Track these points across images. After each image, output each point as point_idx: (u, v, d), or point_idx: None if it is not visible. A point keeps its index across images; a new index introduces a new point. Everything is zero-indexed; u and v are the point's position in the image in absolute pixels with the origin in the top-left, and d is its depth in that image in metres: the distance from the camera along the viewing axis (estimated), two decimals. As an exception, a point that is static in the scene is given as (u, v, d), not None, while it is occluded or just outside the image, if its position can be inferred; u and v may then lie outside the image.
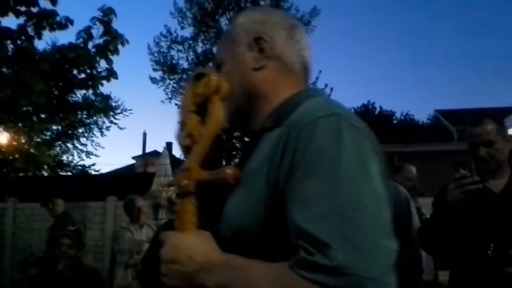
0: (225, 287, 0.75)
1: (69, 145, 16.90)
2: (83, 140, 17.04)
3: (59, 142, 15.91)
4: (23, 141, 6.38)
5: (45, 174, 13.71)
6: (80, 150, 17.15)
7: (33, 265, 4.38)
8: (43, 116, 6.31)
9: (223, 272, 0.76)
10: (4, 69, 5.46)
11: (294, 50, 0.99)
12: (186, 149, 0.92)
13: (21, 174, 8.64)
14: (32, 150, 6.47)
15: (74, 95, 6.12)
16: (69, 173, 17.07)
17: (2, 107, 5.17)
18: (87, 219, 7.41)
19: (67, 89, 5.84)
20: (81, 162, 17.55)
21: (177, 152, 22.70)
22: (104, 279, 3.87)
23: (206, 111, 0.91)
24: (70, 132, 15.94)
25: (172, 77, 22.41)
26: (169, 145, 10.90)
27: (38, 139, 6.66)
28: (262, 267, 0.74)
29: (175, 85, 22.48)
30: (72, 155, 17.33)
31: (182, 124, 0.94)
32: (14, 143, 6.34)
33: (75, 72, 5.71)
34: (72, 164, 17.53)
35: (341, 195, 0.71)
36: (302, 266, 0.68)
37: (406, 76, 51.88)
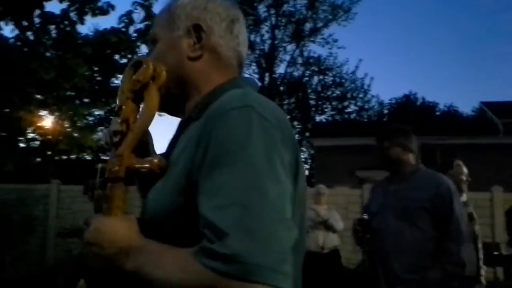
0: (139, 270, 0.79)
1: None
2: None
3: (101, 128, 16.32)
4: (66, 124, 6.54)
5: (88, 157, 14.12)
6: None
7: (69, 235, 4.48)
8: (86, 100, 6.44)
9: (139, 257, 0.80)
10: (48, 53, 5.59)
11: (231, 44, 1.00)
12: (120, 135, 0.93)
13: (65, 157, 8.92)
14: (75, 134, 6.63)
15: (115, 80, 6.20)
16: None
17: (46, 90, 5.30)
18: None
19: (109, 73, 5.92)
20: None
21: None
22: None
23: (142, 98, 0.94)
24: (111, 117, 16.30)
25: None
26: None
27: (81, 124, 6.81)
28: (172, 253, 0.77)
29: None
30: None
31: (119, 110, 0.95)
32: (58, 126, 6.51)
33: (116, 57, 5.79)
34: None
35: (243, 186, 0.73)
36: (202, 253, 0.71)
37: (450, 66, 50.19)
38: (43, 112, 6.28)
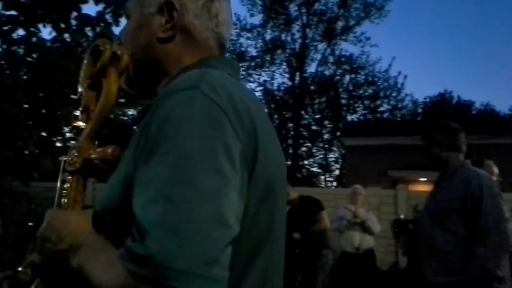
0: (81, 268, 0.73)
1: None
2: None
3: (135, 127, 16.61)
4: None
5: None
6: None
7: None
8: (120, 101, 6.57)
9: (84, 254, 0.74)
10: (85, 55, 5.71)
11: (208, 24, 0.90)
12: (84, 121, 0.88)
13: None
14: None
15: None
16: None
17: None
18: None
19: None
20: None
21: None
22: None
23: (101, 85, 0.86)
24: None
25: (240, 64, 22.60)
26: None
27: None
28: (109, 252, 0.71)
29: (243, 72, 22.68)
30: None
31: (80, 98, 0.90)
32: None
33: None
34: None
35: (172, 179, 0.65)
36: (124, 253, 0.65)
37: (487, 64, 48.69)
38: (78, 112, 6.42)
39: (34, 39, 5.48)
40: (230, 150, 0.69)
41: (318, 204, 5.47)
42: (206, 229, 0.63)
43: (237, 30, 22.25)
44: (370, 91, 23.45)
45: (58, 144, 7.00)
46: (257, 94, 23.25)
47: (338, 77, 23.55)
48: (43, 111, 5.95)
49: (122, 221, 0.72)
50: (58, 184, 0.91)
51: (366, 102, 23.63)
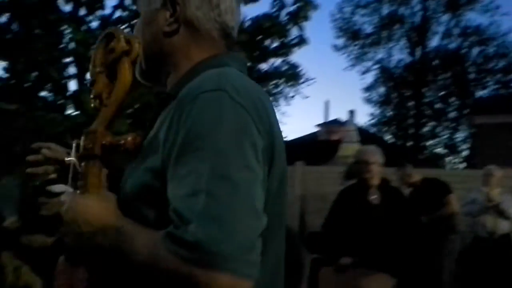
0: (115, 249, 0.79)
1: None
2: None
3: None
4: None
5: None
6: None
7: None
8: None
9: (114, 236, 0.80)
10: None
11: (210, 15, 0.93)
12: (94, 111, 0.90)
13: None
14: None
15: (263, 65, 6.44)
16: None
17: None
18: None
19: (260, 58, 6.16)
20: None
21: (360, 119, 22.39)
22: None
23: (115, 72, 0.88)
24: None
25: (355, 43, 21.98)
26: (352, 113, 10.83)
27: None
28: (144, 234, 0.78)
29: (358, 51, 22.02)
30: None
31: (92, 85, 0.91)
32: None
33: (266, 42, 5.98)
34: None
35: (211, 173, 0.72)
36: (169, 238, 0.71)
37: None
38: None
39: None
40: (256, 148, 0.77)
41: (445, 186, 5.17)
42: (245, 219, 0.71)
43: (351, 8, 21.61)
44: (501, 64, 21.29)
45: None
46: (374, 73, 22.43)
47: (464, 50, 21.73)
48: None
49: (151, 206, 0.82)
50: (71, 165, 0.96)
51: (497, 76, 21.52)
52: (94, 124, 0.88)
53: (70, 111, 6.90)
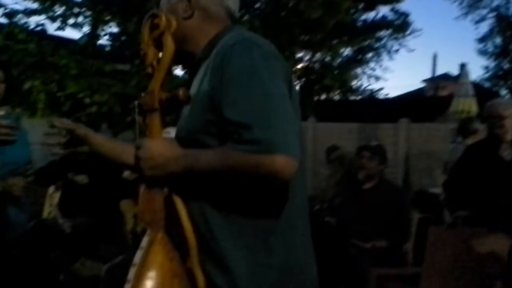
0: (188, 169, 1.05)
1: (358, 70, 17.40)
2: (372, 65, 17.23)
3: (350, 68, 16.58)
4: (327, 60, 6.82)
5: (335, 98, 14.62)
6: (369, 75, 17.46)
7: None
8: (344, 38, 6.54)
9: (185, 160, 1.06)
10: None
11: (217, 1, 1.22)
12: (148, 77, 1.14)
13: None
14: (335, 71, 6.87)
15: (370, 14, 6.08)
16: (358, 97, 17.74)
17: (311, 30, 5.55)
18: (379, 140, 7.52)
19: (370, 5, 5.83)
20: (370, 87, 17.93)
21: (473, 74, 20.52)
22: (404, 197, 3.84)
23: (161, 44, 1.13)
24: (359, 58, 16.39)
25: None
26: (463, 66, 9.87)
27: (335, 64, 6.99)
28: (208, 151, 1.05)
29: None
30: (361, 80, 17.84)
31: (143, 56, 1.15)
32: (318, 65, 6.83)
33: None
34: (360, 89, 18.13)
35: (256, 94, 0.99)
36: (235, 142, 0.98)
37: None
38: (300, 54, 6.62)
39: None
40: (284, 78, 1.06)
41: None
42: (289, 124, 0.99)
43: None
44: None
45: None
46: (489, 21, 20.40)
47: None
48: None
49: (209, 136, 1.06)
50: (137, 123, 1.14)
51: None
52: (150, 86, 1.13)
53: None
